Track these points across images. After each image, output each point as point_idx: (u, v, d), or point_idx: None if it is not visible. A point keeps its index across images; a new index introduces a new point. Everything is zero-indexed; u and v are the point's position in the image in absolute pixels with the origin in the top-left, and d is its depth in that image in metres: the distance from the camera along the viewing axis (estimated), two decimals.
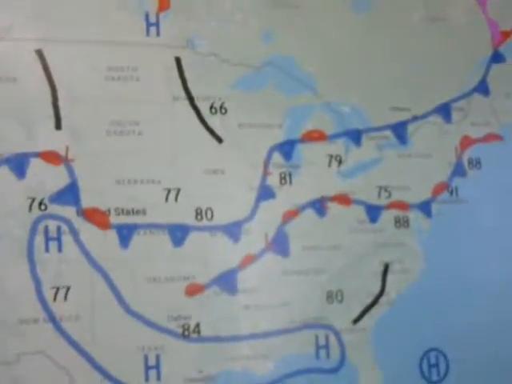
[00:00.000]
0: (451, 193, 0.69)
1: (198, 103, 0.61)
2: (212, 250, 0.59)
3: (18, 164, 0.55)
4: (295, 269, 0.62)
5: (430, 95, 0.70)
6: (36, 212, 0.55)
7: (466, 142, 0.71)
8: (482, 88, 0.72)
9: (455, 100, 0.71)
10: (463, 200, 0.69)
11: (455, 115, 0.70)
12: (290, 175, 0.62)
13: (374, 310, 0.65)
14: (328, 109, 0.65)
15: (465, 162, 0.70)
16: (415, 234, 0.67)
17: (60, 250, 0.55)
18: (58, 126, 0.56)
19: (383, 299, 0.65)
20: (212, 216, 0.59)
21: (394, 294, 0.65)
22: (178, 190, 0.58)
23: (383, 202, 0.66)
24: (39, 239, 0.55)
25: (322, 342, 0.62)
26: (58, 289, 0.55)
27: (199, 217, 0.59)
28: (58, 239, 0.55)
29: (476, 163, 0.70)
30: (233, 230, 0.60)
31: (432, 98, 0.70)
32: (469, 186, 0.70)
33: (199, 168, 0.60)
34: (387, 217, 0.66)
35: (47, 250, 0.55)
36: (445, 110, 0.70)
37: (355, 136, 0.66)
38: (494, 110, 0.72)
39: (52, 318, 0.55)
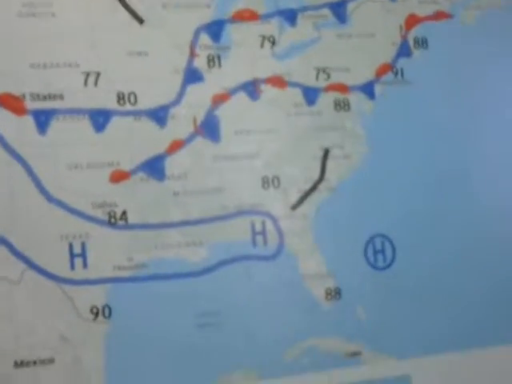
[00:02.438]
0: (396, 74, 0.69)
1: None
2: (137, 135, 0.60)
3: None
4: (227, 154, 0.63)
5: None
6: None
7: (412, 20, 0.71)
8: None
9: None
10: (409, 81, 0.70)
11: None
12: (218, 57, 0.63)
13: (313, 196, 0.66)
14: None
15: (410, 42, 0.70)
16: (357, 117, 0.68)
17: None
18: None
19: (323, 185, 0.66)
20: (136, 100, 0.60)
21: (334, 179, 0.67)
22: (98, 74, 0.59)
23: (321, 84, 0.67)
24: None
25: (258, 228, 0.64)
26: None
27: (122, 101, 0.60)
28: None
29: (422, 43, 0.71)
30: (158, 115, 0.61)
31: None
32: (415, 66, 0.71)
33: (120, 50, 0.61)
34: (326, 99, 0.67)
35: None
36: None
37: (289, 15, 0.67)
38: None
39: None
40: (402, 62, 0.70)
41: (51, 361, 0.56)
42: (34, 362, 0.56)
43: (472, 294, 0.70)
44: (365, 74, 0.69)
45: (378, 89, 0.69)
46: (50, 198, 0.57)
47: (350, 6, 0.69)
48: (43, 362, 0.56)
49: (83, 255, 0.58)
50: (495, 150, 0.72)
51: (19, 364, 0.56)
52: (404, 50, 0.70)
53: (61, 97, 0.58)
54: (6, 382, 0.55)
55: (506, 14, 0.73)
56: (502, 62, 0.73)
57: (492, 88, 0.72)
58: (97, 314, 0.58)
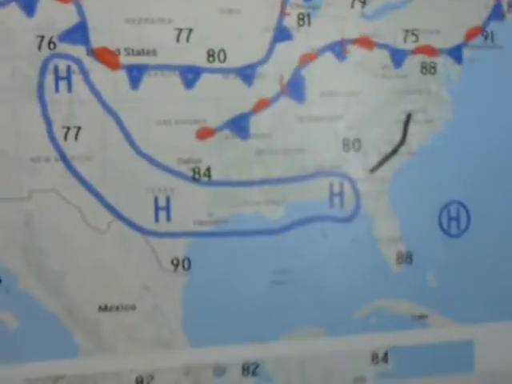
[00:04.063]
0: (486, 38, 0.70)
1: None
2: (224, 92, 0.63)
3: (27, 1, 0.59)
4: (311, 114, 0.65)
5: None
6: (45, 51, 0.60)
7: None
8: None
9: None
10: (499, 46, 0.70)
11: None
12: (308, 16, 0.65)
13: (393, 160, 0.68)
14: None
15: (504, 4, 0.70)
16: (443, 81, 0.69)
17: (70, 90, 0.60)
18: None
19: (404, 149, 0.68)
20: (225, 58, 0.63)
21: (415, 144, 0.69)
22: (190, 30, 0.62)
23: (409, 46, 0.68)
24: (49, 79, 0.60)
25: (336, 189, 0.67)
26: (68, 128, 0.60)
27: (211, 58, 0.62)
28: (68, 79, 0.60)
29: None
30: (246, 73, 0.63)
31: None
32: (507, 30, 0.70)
33: (213, 7, 0.63)
34: (413, 62, 0.68)
35: (57, 90, 0.60)
36: None
37: None
38: None
39: (63, 157, 0.60)
40: (494, 26, 0.70)
41: (133, 307, 0.61)
42: (117, 308, 0.61)
43: None
44: (454, 37, 0.69)
45: (466, 52, 0.70)
46: (138, 152, 0.61)
47: None
48: (125, 307, 0.61)
49: (167, 208, 0.62)
50: None
51: (103, 308, 0.61)
52: (497, 13, 0.70)
53: (154, 52, 0.61)
54: (91, 325, 0.60)
55: None
56: None
57: None
58: (177, 266, 0.62)
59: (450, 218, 0.70)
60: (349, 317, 0.66)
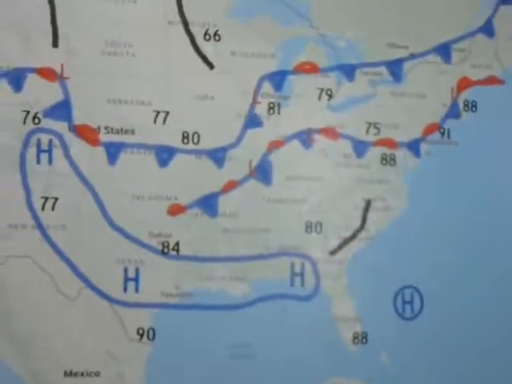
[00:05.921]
0: (443, 134, 0.75)
1: (193, 29, 0.68)
2: (196, 172, 0.68)
3: (16, 78, 0.64)
4: (276, 197, 0.70)
5: (431, 34, 0.75)
6: (30, 125, 0.65)
7: (464, 83, 0.76)
8: (487, 29, 0.77)
9: (457, 40, 0.76)
10: (454, 142, 0.76)
11: (455, 56, 0.76)
12: (278, 105, 0.70)
13: (352, 244, 0.73)
14: (323, 42, 0.72)
15: (460, 104, 0.76)
16: (401, 172, 0.74)
17: (50, 162, 0.64)
18: (55, 44, 0.65)
19: (362, 234, 0.73)
20: (198, 140, 0.68)
21: (373, 229, 0.73)
22: (167, 113, 0.67)
23: (371, 138, 0.74)
24: (32, 151, 0.64)
25: (297, 269, 0.71)
26: (46, 199, 0.64)
27: (186, 140, 0.67)
28: (49, 152, 0.64)
29: (472, 106, 0.77)
30: (218, 155, 0.68)
31: (432, 36, 0.76)
32: (462, 128, 0.76)
33: (189, 93, 0.68)
34: (374, 153, 0.74)
35: (38, 161, 0.64)
36: (444, 50, 0.76)
37: (348, 70, 0.73)
38: (498, 52, 0.77)
39: (39, 226, 0.64)
40: (450, 123, 0.76)
41: (97, 374, 0.64)
42: (82, 374, 0.64)
43: (498, 349, 0.75)
44: (413, 132, 0.75)
45: (423, 147, 0.75)
46: (111, 224, 0.65)
47: (406, 66, 0.75)
48: (90, 374, 0.64)
49: (136, 280, 0.65)
50: None
51: (68, 374, 0.64)
52: (453, 112, 0.76)
53: (132, 131, 0.66)
54: None
55: None
56: None
57: None
58: (142, 336, 0.65)
59: (404, 302, 0.74)
60: None
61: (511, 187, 0.77)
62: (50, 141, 0.64)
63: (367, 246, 0.73)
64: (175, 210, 0.66)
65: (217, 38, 0.68)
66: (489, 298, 0.75)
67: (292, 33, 0.72)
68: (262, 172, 0.69)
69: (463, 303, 0.75)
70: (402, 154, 0.74)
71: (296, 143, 0.70)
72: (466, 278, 0.75)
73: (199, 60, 0.68)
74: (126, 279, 0.65)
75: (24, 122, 0.63)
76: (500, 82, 0.78)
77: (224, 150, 0.67)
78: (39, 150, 0.63)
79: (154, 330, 0.65)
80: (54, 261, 0.64)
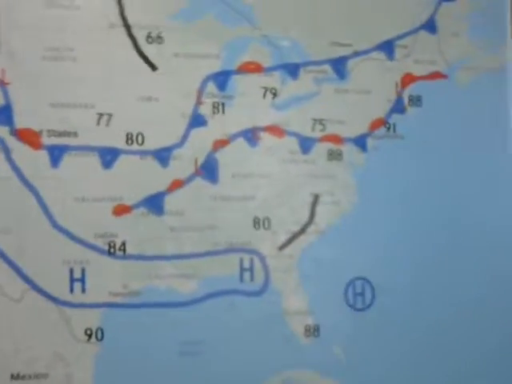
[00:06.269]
0: (388, 129, 0.77)
1: (135, 32, 0.69)
2: (141, 173, 0.68)
3: None
4: (223, 194, 0.71)
5: (374, 31, 0.77)
6: None
7: (408, 79, 0.78)
8: (429, 26, 0.79)
9: (400, 37, 0.78)
10: (400, 136, 0.77)
11: (398, 52, 0.78)
12: (222, 105, 0.71)
13: (302, 238, 0.73)
14: (267, 42, 0.73)
15: (405, 99, 0.77)
16: (348, 167, 0.75)
17: None
18: None
19: (311, 228, 0.74)
20: (143, 141, 0.69)
21: (323, 224, 0.74)
22: (110, 115, 0.68)
23: (317, 134, 0.75)
24: None
25: (246, 265, 0.71)
26: None
27: (130, 141, 0.68)
28: None
29: (416, 101, 0.78)
30: (162, 155, 0.69)
31: (376, 34, 0.77)
32: (407, 122, 0.78)
33: (133, 95, 0.69)
34: (320, 149, 0.75)
35: None
36: (388, 47, 0.77)
37: (292, 69, 0.74)
38: (441, 48, 0.79)
39: None
40: (396, 118, 0.77)
41: (45, 376, 0.65)
42: (30, 376, 0.64)
43: (447, 334, 0.77)
44: (359, 128, 0.76)
45: (370, 142, 0.76)
46: (56, 226, 0.65)
47: (350, 64, 0.76)
48: (38, 376, 0.64)
49: (82, 280, 0.66)
50: (480, 205, 0.79)
51: (15, 377, 0.64)
52: (398, 107, 0.77)
53: (75, 134, 0.66)
54: None
55: (499, 77, 0.79)
56: (491, 124, 0.79)
57: (482, 148, 0.79)
58: (90, 336, 0.66)
59: (355, 294, 0.75)
60: None
61: (457, 178, 0.78)
62: None
63: (317, 240, 0.74)
64: (121, 210, 0.66)
65: (159, 40, 0.68)
66: (437, 287, 0.74)
67: (235, 33, 0.73)
68: (208, 170, 0.70)
69: (413, 293, 0.77)
70: (348, 150, 0.75)
71: (242, 141, 0.71)
72: (415, 268, 0.77)
73: (142, 62, 0.68)
74: (72, 280, 0.65)
75: None
76: (444, 76, 0.79)
77: (169, 149, 0.68)
78: None
79: (102, 329, 0.66)
80: None
